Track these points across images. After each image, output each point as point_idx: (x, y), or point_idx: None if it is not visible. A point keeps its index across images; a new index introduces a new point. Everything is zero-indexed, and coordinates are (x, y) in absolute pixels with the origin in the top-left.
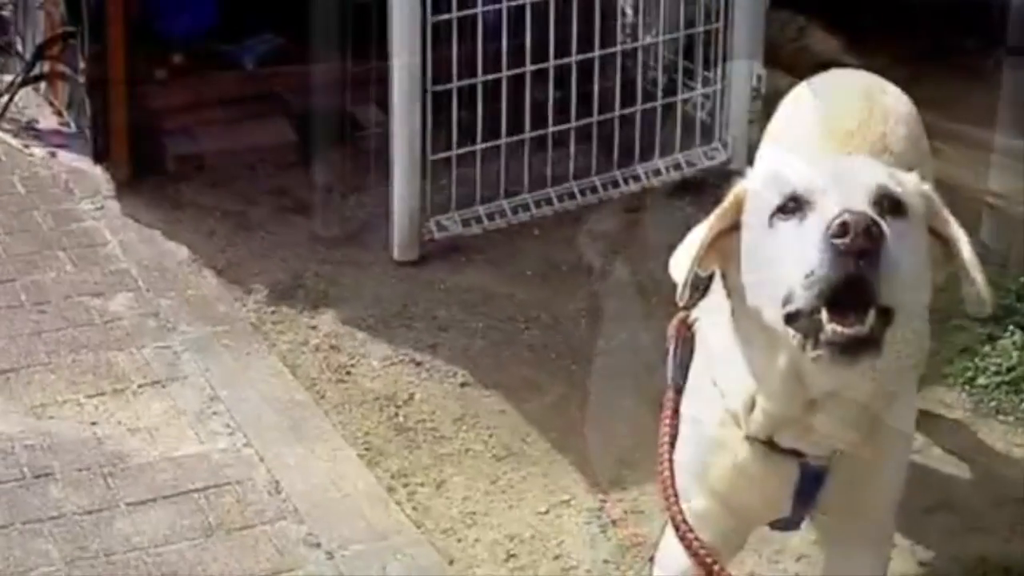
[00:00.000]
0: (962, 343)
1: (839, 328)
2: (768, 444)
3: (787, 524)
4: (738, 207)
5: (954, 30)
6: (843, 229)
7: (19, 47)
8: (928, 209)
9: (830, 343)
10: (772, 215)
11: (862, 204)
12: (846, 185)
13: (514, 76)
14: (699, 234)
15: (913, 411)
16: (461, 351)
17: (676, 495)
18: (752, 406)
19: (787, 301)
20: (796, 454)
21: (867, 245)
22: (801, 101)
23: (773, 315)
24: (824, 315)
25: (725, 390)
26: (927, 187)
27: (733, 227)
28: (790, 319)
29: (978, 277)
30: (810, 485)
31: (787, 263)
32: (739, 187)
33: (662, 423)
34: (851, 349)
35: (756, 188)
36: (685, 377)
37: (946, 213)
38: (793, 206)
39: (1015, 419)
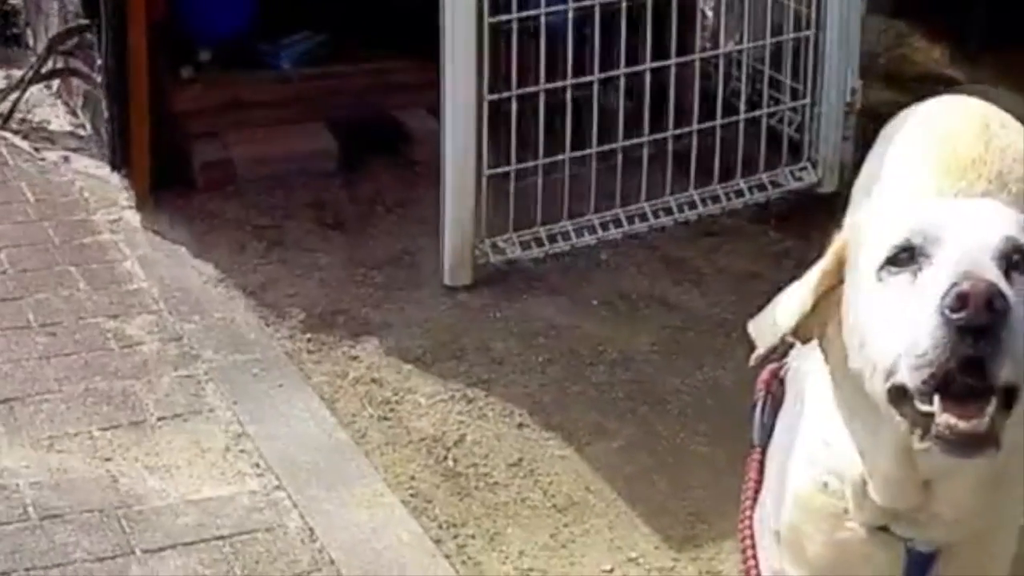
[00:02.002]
0: None
1: (953, 421)
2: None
3: None
4: (842, 260)
5: None
6: (962, 302)
7: (29, 40)
8: None
9: (942, 438)
10: (881, 267)
11: (986, 260)
12: (968, 235)
13: (580, 84)
14: (800, 295)
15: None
16: (519, 388)
17: (757, 563)
18: (864, 490)
19: (891, 373)
20: (902, 537)
21: (989, 320)
22: (906, 130)
23: (877, 387)
24: (936, 404)
25: (831, 467)
26: None
27: (836, 283)
28: (895, 398)
29: None
30: (918, 573)
31: (894, 328)
32: (842, 237)
33: (745, 487)
34: (967, 445)
35: (864, 234)
36: (770, 436)
37: None
38: (906, 257)
39: None
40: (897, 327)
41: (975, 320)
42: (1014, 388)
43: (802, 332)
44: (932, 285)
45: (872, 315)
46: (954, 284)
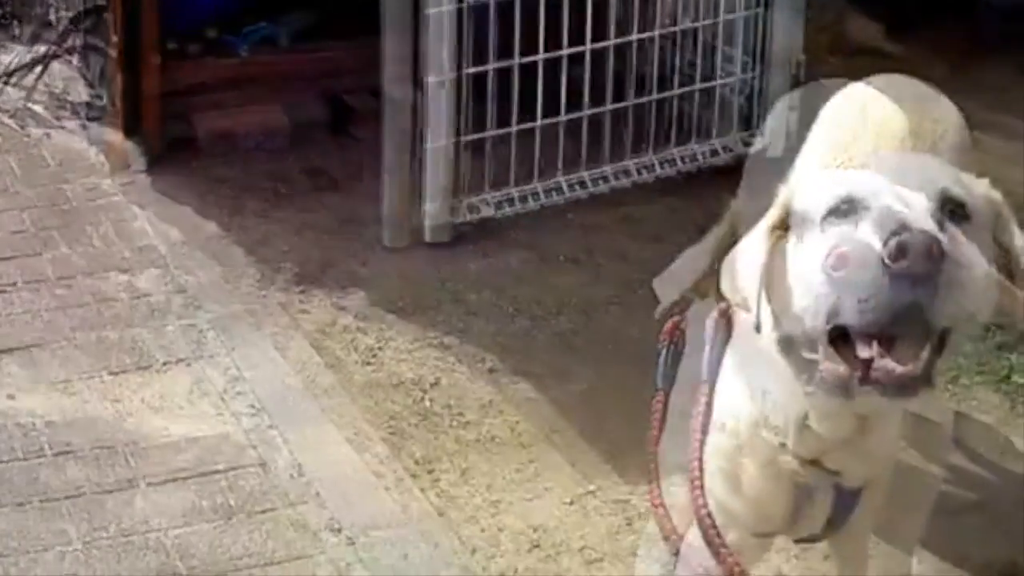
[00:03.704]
0: (998, 340)
1: (891, 366)
2: (809, 461)
3: (812, 538)
4: (788, 212)
5: (1002, 16)
6: (901, 251)
7: (52, 18)
8: (995, 217)
9: (880, 382)
10: (823, 218)
11: (923, 210)
12: (904, 188)
13: (551, 59)
14: (755, 251)
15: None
16: (490, 336)
17: (704, 494)
18: (803, 424)
19: (832, 316)
20: (831, 472)
21: (927, 269)
22: (848, 104)
23: (819, 328)
24: (875, 348)
25: (770, 402)
26: (996, 193)
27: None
28: (835, 341)
29: None
30: (845, 506)
31: (836, 274)
32: (785, 192)
33: (652, 426)
34: (902, 388)
35: (806, 188)
36: (673, 381)
37: (1013, 224)
38: (846, 208)
39: None
40: (839, 273)
41: (914, 268)
42: (946, 331)
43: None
44: (872, 234)
45: (814, 261)
46: (894, 233)
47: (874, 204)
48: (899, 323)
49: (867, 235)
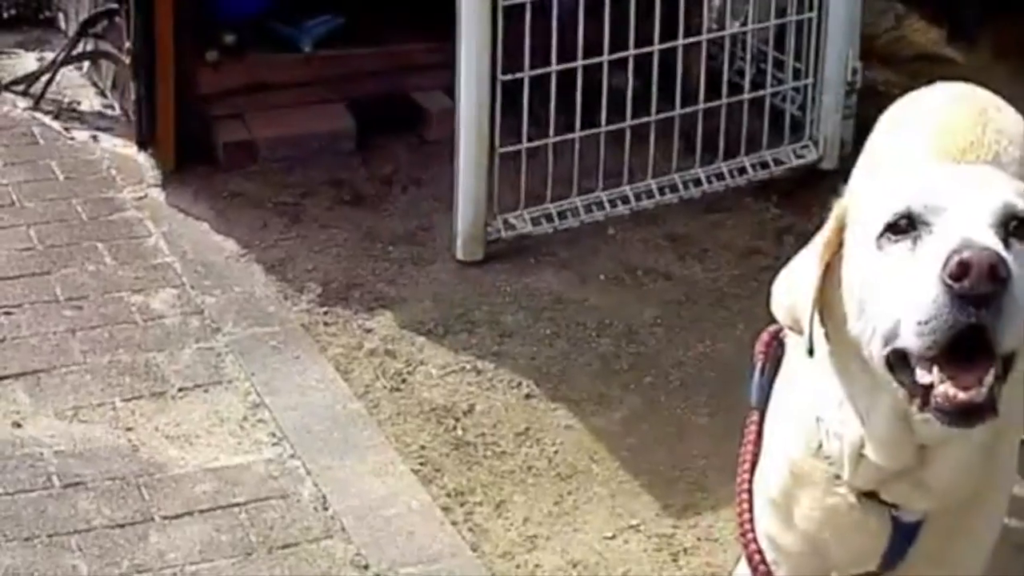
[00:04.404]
0: None
1: (952, 392)
2: (866, 493)
3: (867, 575)
4: (843, 227)
5: None
6: (963, 270)
7: (61, 23)
8: None
9: (941, 409)
10: (881, 234)
11: (985, 227)
12: (968, 202)
13: (590, 65)
14: (808, 269)
15: (1016, 447)
16: (526, 360)
17: (753, 527)
18: (859, 454)
19: (890, 339)
20: (890, 504)
21: (991, 289)
22: (906, 114)
23: (876, 353)
24: (935, 374)
25: (824, 430)
26: None
27: (837, 250)
28: (894, 365)
29: None
30: (903, 540)
31: (894, 295)
32: (840, 205)
33: (743, 448)
34: (965, 416)
35: (862, 202)
36: (768, 399)
37: None
38: (905, 225)
39: None
40: (898, 294)
41: (977, 289)
42: (1011, 355)
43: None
44: (933, 253)
45: (872, 282)
46: (955, 252)
47: (934, 220)
48: (961, 347)
49: (927, 253)
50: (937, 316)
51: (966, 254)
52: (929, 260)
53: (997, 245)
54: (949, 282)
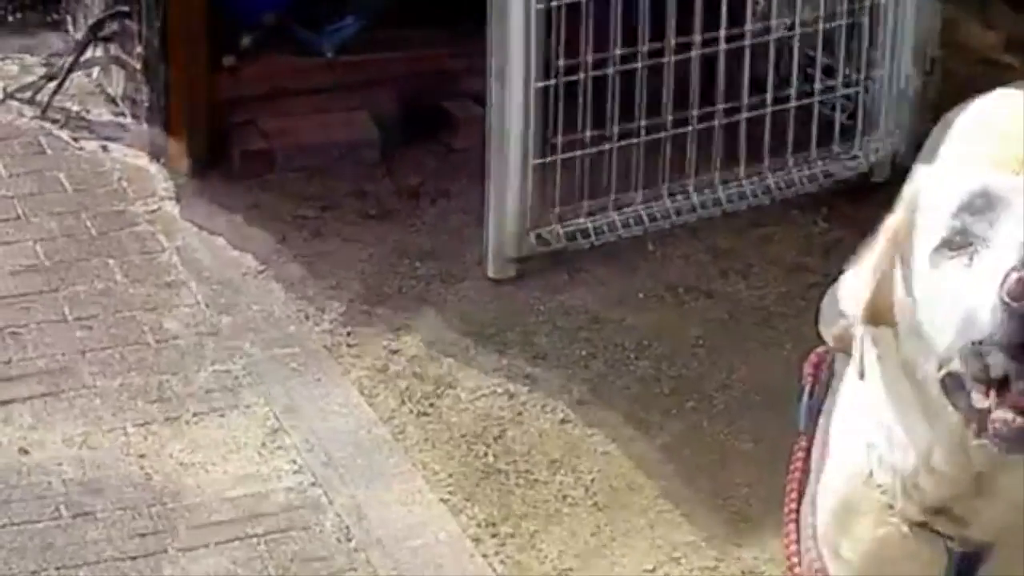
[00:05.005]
0: None
1: (1010, 417)
2: (919, 523)
3: None
4: (897, 242)
5: None
6: (1022, 289)
7: (70, 26)
8: None
9: (999, 435)
10: (935, 250)
11: None
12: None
13: (626, 72)
14: (855, 288)
15: None
16: (561, 383)
17: (800, 560)
18: (914, 480)
19: (945, 362)
20: (945, 536)
21: None
22: (963, 123)
23: (931, 376)
24: (992, 399)
25: (876, 456)
26: None
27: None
28: (949, 388)
29: None
30: (959, 574)
31: (949, 314)
32: (896, 218)
33: (790, 475)
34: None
35: (918, 215)
36: (817, 424)
37: None
38: (961, 240)
39: None
40: (952, 314)
41: None
42: None
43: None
44: (990, 270)
45: (926, 300)
46: (1014, 270)
47: (992, 235)
48: (1021, 369)
49: (984, 270)
50: (993, 336)
51: None
52: (986, 277)
53: None
54: (1007, 300)
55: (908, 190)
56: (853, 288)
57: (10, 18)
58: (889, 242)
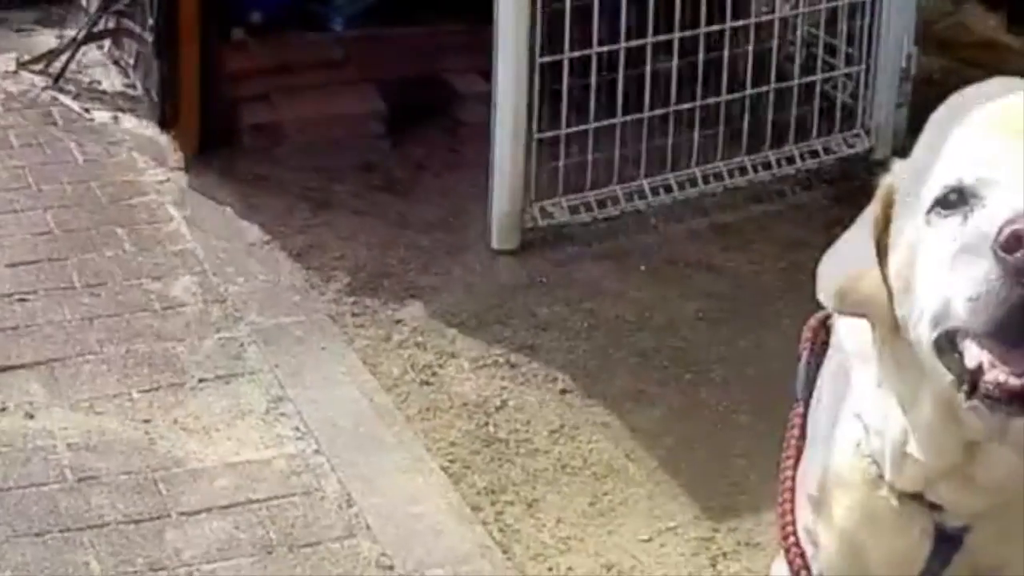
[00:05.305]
0: None
1: (1003, 378)
2: (909, 495)
3: None
4: (889, 203)
5: None
6: (1017, 241)
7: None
8: None
9: (990, 396)
10: (930, 209)
11: None
12: (1022, 176)
13: (634, 48)
14: (859, 248)
15: None
16: (562, 354)
17: (795, 527)
18: (903, 447)
19: (939, 320)
20: (933, 506)
21: None
22: (964, 100)
23: (923, 335)
24: (985, 358)
25: (869, 426)
26: None
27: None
28: (941, 348)
29: None
30: (948, 547)
31: (944, 273)
32: (887, 181)
33: (786, 442)
34: (1017, 404)
35: (910, 176)
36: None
37: None
38: (956, 199)
39: None
40: (948, 270)
41: None
42: None
43: None
44: (985, 226)
45: (920, 259)
46: (1008, 223)
47: (987, 194)
48: (1015, 326)
49: (978, 225)
50: (989, 290)
51: (1020, 224)
52: (981, 233)
53: None
54: (1002, 254)
55: (883, 182)
56: (851, 253)
57: None
58: (880, 208)
